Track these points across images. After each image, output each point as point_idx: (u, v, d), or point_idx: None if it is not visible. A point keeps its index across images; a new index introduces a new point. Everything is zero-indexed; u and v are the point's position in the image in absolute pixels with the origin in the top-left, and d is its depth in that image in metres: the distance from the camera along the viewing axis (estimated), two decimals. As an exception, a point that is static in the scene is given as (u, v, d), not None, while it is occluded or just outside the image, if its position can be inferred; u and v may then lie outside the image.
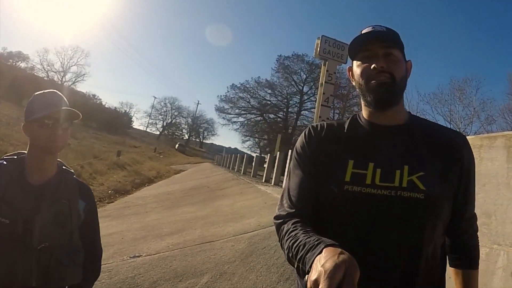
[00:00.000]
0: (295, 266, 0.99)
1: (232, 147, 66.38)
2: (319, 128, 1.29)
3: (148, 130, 75.40)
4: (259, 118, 49.69)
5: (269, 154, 16.06)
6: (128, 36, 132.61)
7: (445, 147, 1.19)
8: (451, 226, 1.21)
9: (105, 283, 3.74)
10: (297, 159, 1.28)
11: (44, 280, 1.49)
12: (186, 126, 78.42)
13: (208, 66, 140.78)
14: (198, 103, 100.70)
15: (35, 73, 50.40)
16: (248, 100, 48.52)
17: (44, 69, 56.46)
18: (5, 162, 1.56)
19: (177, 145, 61.74)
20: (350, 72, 1.28)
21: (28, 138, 1.58)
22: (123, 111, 66.44)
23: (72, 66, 58.46)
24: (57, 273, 1.51)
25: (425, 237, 1.10)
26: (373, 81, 1.16)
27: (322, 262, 0.81)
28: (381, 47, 1.17)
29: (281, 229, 1.16)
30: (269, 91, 47.83)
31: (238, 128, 50.06)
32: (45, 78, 50.69)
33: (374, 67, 1.15)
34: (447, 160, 1.17)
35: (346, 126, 1.27)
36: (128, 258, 4.62)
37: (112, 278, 3.89)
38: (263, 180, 14.01)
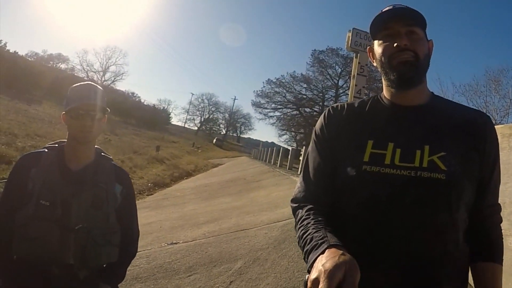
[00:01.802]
0: (303, 256, 1.01)
1: (269, 141, 66.28)
2: (339, 108, 1.27)
3: (186, 125, 77.20)
4: (295, 112, 49.45)
5: (304, 147, 15.99)
6: (164, 35, 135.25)
7: (468, 127, 1.15)
8: (473, 211, 1.14)
9: (143, 268, 3.91)
10: (315, 141, 1.26)
11: (81, 258, 1.58)
12: (223, 121, 79.45)
13: (244, 62, 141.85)
14: (234, 99, 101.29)
15: (75, 74, 52.41)
16: (284, 95, 48.37)
17: (84, 70, 58.65)
18: (46, 150, 1.68)
19: (214, 140, 62.98)
20: (371, 53, 1.26)
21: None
22: (162, 107, 67.93)
23: (111, 65, 60.37)
24: (93, 252, 1.60)
25: (447, 220, 1.05)
26: (396, 60, 1.12)
27: (323, 262, 0.82)
28: (403, 25, 1.14)
29: (296, 214, 1.18)
30: (305, 85, 47.52)
31: (274, 123, 50.02)
32: (85, 78, 52.16)
33: (397, 45, 1.12)
34: (469, 140, 1.13)
35: (367, 106, 1.24)
36: (166, 245, 4.79)
37: (150, 263, 4.05)
38: (298, 172, 13.97)
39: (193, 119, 78.02)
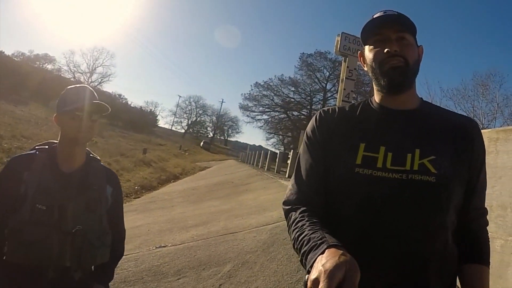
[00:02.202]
0: (299, 258, 1.01)
1: (257, 144, 66.48)
2: (330, 112, 1.29)
3: (173, 128, 76.71)
4: (282, 116, 49.69)
5: (292, 151, 16.07)
6: (152, 37, 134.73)
7: (457, 131, 1.18)
8: (460, 213, 1.17)
9: (131, 271, 3.89)
10: (307, 144, 1.27)
11: (77, 260, 1.58)
12: (210, 124, 79.37)
13: (232, 64, 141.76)
14: (222, 102, 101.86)
15: (61, 75, 51.97)
16: (271, 98, 48.65)
17: (71, 71, 58.07)
18: (37, 152, 1.66)
19: (202, 143, 62.73)
20: (362, 58, 1.28)
21: (60, 130, 1.67)
22: (149, 110, 67.67)
23: (98, 67, 59.85)
24: (89, 254, 1.61)
25: (438, 221, 1.09)
26: (386, 65, 1.15)
27: (323, 262, 0.82)
28: (393, 31, 1.16)
29: (289, 217, 1.17)
30: (293, 89, 47.84)
31: (262, 126, 50.26)
32: (71, 79, 51.89)
33: (387, 50, 1.15)
34: (458, 144, 1.16)
35: (358, 110, 1.26)
36: (154, 248, 4.77)
37: (138, 267, 4.03)
38: (286, 176, 14.02)
39: (180, 121, 77.70)
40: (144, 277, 3.75)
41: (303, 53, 50.59)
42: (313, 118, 1.31)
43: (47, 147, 1.70)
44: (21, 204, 1.53)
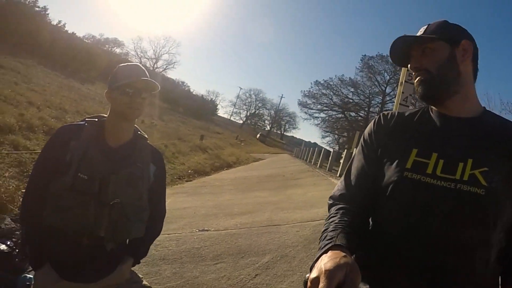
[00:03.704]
0: None
1: (312, 141, 66.40)
2: (389, 116, 1.28)
3: (232, 118, 79.09)
4: (340, 115, 49.45)
5: (346, 150, 15.72)
6: (218, 30, 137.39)
7: None
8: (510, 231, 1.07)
9: (171, 250, 3.96)
10: (362, 145, 1.28)
11: (112, 231, 1.61)
12: (268, 118, 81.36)
13: (293, 61, 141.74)
14: (281, 97, 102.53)
15: (129, 59, 53.97)
16: (330, 97, 48.82)
17: (138, 56, 60.84)
18: (86, 124, 1.68)
19: (258, 135, 63.81)
20: None
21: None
22: (210, 99, 69.14)
23: (164, 54, 62.29)
24: (124, 226, 1.63)
25: (480, 238, 1.01)
26: (415, 82, 1.18)
27: (325, 262, 0.83)
28: (416, 49, 1.18)
29: (330, 211, 1.21)
30: (352, 90, 47.89)
31: (319, 124, 50.48)
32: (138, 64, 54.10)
33: (410, 67, 1.19)
34: None
35: (416, 116, 1.24)
36: (197, 231, 4.83)
37: (179, 246, 4.11)
38: (338, 175, 13.78)
39: (239, 112, 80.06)
40: (182, 258, 3.80)
41: (364, 55, 50.14)
42: (372, 121, 1.32)
43: (96, 120, 1.72)
44: (65, 171, 1.57)
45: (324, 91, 48.63)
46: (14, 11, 26.50)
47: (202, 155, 18.40)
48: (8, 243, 2.52)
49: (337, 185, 1.29)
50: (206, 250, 4.07)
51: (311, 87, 49.83)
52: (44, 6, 31.88)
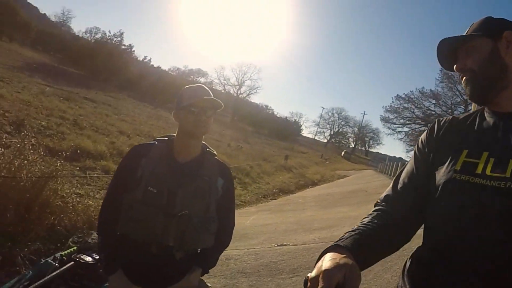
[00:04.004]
0: None
1: (397, 156, 63.68)
2: (443, 122, 1.24)
3: (316, 138, 79.21)
4: (423, 128, 46.62)
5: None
6: (298, 54, 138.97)
7: None
8: None
9: (250, 264, 4.09)
10: (415, 150, 1.26)
11: (180, 241, 1.72)
12: (352, 135, 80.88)
13: (373, 77, 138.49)
14: (364, 113, 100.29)
15: (213, 87, 56.22)
16: (412, 110, 46.80)
17: (221, 83, 62.57)
18: (156, 143, 1.86)
19: (343, 153, 62.94)
20: None
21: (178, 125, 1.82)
22: (293, 120, 69.86)
23: (246, 80, 63.65)
24: (191, 237, 1.73)
25: None
26: (463, 83, 1.15)
27: (325, 261, 0.82)
28: (461, 50, 1.15)
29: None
30: (433, 101, 45.31)
31: (402, 138, 48.44)
32: (222, 91, 56.35)
33: (456, 69, 1.16)
34: None
35: (470, 118, 1.19)
36: (276, 245, 4.92)
37: (257, 260, 4.22)
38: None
39: (323, 132, 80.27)
40: (260, 271, 3.90)
41: (444, 65, 47.27)
42: (428, 127, 1.29)
43: (166, 139, 1.88)
44: (136, 185, 1.73)
45: (405, 104, 46.70)
46: (102, 50, 29.38)
47: (287, 174, 18.51)
48: (94, 255, 2.81)
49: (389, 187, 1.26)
50: (283, 264, 4.13)
51: (392, 101, 48.02)
52: (130, 44, 34.86)
